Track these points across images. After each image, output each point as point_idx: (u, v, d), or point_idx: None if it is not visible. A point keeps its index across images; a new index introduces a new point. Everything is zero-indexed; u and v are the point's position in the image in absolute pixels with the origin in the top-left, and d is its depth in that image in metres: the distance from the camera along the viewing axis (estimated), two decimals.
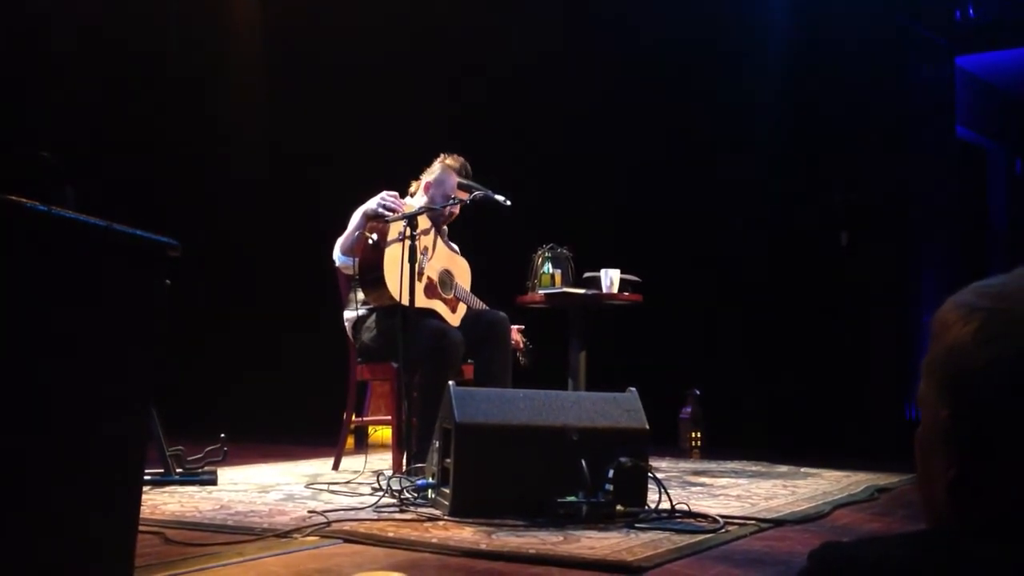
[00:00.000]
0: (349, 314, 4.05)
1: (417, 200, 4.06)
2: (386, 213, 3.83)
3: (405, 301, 3.55)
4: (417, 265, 3.63)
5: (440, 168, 4.09)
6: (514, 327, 4.08)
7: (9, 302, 1.49)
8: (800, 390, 5.89)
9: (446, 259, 4.10)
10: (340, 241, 3.99)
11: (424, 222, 3.81)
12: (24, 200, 1.47)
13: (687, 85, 6.25)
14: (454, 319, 4.00)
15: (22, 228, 1.49)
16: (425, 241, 3.93)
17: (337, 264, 4.03)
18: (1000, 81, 7.71)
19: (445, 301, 4.02)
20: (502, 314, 4.06)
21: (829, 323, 5.92)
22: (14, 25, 6.11)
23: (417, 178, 4.17)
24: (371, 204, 3.90)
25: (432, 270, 3.99)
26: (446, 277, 4.06)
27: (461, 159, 4.11)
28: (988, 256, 7.67)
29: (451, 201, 3.93)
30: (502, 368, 3.90)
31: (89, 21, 6.43)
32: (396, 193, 3.93)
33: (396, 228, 3.74)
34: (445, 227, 4.19)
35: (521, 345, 4.10)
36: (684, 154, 6.20)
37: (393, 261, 3.67)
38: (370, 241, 3.75)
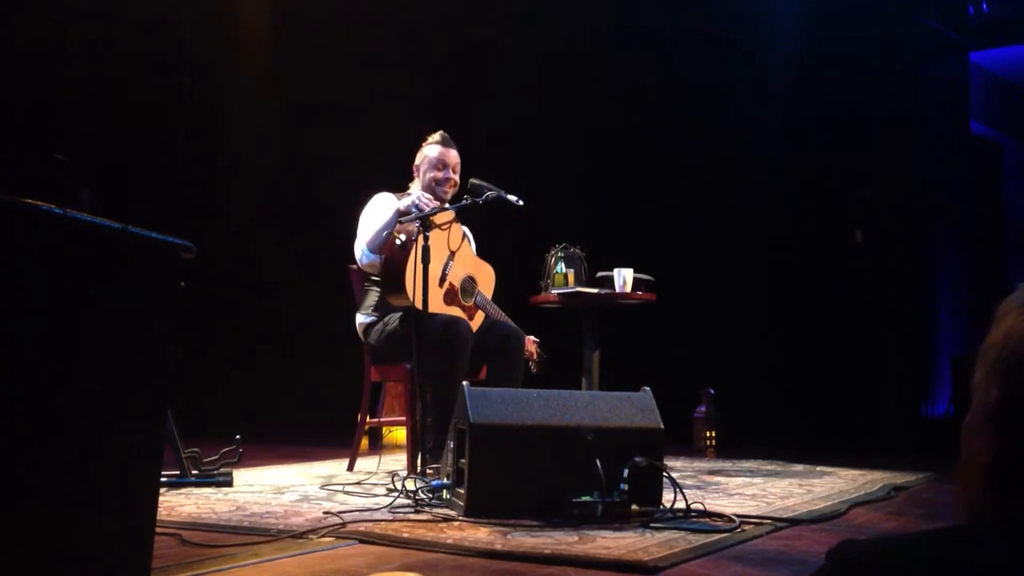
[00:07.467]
0: (361, 318, 4.03)
1: (416, 188, 4.01)
2: (417, 212, 3.70)
3: (419, 305, 3.52)
4: (442, 270, 3.59)
5: (422, 151, 4.10)
6: (529, 338, 4.03)
7: (26, 304, 1.50)
8: (815, 388, 5.87)
9: (471, 265, 4.06)
10: (368, 237, 3.88)
11: (449, 223, 3.75)
12: (40, 203, 1.48)
13: (699, 83, 6.24)
14: (471, 326, 3.96)
15: (39, 231, 1.50)
16: (451, 244, 3.90)
17: (364, 262, 3.90)
18: (1015, 76, 7.66)
19: (464, 308, 3.98)
20: (517, 328, 4.00)
21: (844, 321, 5.90)
22: (29, 32, 6.14)
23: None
24: (405, 202, 3.80)
25: (455, 277, 3.95)
26: (468, 284, 4.02)
27: (438, 132, 4.12)
28: (1004, 253, 7.63)
29: (464, 201, 3.87)
30: (511, 383, 3.81)
31: (102, 25, 6.46)
32: (431, 196, 3.89)
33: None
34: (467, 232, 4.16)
35: (535, 355, 4.07)
36: (698, 153, 6.18)
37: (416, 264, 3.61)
38: (398, 242, 3.71)
